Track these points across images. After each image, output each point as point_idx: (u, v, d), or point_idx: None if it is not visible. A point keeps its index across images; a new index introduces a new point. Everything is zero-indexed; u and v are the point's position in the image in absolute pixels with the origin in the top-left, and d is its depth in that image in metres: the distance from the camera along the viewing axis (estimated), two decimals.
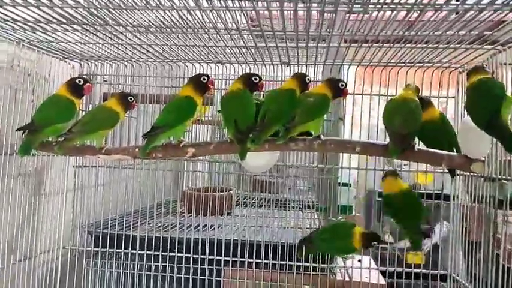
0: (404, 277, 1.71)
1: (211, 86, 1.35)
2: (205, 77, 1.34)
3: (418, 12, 1.04)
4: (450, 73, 1.61)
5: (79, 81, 1.37)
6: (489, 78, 1.18)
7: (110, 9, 1.15)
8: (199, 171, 2.17)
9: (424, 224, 1.39)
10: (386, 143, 1.26)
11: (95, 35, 1.41)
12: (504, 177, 1.31)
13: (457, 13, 1.08)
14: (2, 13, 1.20)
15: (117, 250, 1.78)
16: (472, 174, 1.47)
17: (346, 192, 2.35)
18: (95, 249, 1.79)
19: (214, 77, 1.81)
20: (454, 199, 1.70)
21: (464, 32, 1.20)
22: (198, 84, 1.33)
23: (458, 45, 1.32)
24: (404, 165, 2.22)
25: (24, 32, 1.38)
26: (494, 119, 1.09)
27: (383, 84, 1.68)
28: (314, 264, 1.68)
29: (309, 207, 2.32)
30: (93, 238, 1.81)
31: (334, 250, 1.54)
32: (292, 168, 1.99)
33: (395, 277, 1.72)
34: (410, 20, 1.12)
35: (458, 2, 0.99)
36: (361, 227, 1.43)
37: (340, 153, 2.12)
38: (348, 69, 1.68)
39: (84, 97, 1.61)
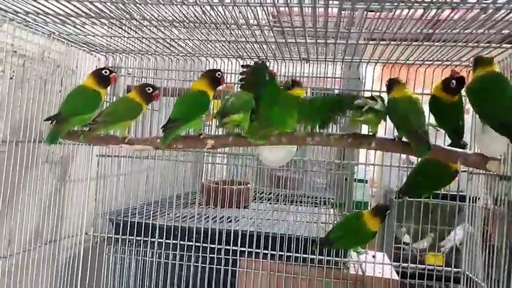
0: (422, 278, 1.71)
1: (223, 83, 1.40)
2: (220, 73, 1.38)
3: (435, 10, 1.05)
4: (469, 72, 1.61)
5: (105, 72, 1.42)
6: (498, 72, 1.18)
7: (137, 4, 1.20)
8: (218, 164, 2.21)
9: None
10: (404, 140, 1.28)
11: (121, 28, 1.46)
12: None
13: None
14: (35, 6, 1.26)
15: (137, 238, 1.84)
16: (487, 172, 1.47)
17: (362, 189, 2.36)
18: (116, 236, 1.86)
19: (235, 71, 1.85)
20: (470, 200, 1.70)
21: (482, 31, 1.21)
22: (212, 79, 1.38)
23: (476, 44, 1.33)
24: None
25: (55, 25, 1.44)
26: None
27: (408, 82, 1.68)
28: (328, 258, 1.70)
29: (325, 204, 2.35)
30: (114, 225, 1.88)
31: (353, 243, 1.55)
32: (310, 164, 2.02)
33: (408, 277, 1.72)
34: (427, 18, 1.14)
35: (475, 1, 1.00)
36: (369, 209, 1.47)
37: (359, 151, 2.15)
38: (366, 67, 1.70)
39: (108, 89, 1.68)
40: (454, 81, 1.27)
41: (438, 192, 1.76)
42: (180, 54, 1.78)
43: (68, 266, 1.77)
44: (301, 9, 1.12)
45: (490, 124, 1.16)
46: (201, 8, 1.19)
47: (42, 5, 1.25)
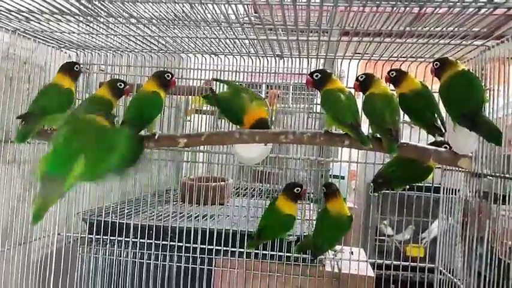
0: (402, 270, 1.72)
1: (173, 85, 1.36)
2: (169, 74, 1.34)
3: (403, 8, 1.04)
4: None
5: (76, 68, 1.38)
6: (466, 70, 1.20)
7: (101, 1, 1.16)
8: (194, 162, 2.19)
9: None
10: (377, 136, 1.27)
11: (88, 25, 1.42)
12: (489, 173, 1.32)
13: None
14: None
15: (112, 237, 1.81)
16: (460, 170, 1.48)
17: (338, 184, 2.35)
18: (90, 236, 1.82)
19: (210, 68, 1.82)
20: (444, 193, 1.71)
21: (452, 28, 1.20)
22: (162, 80, 1.34)
23: (448, 41, 1.32)
24: None
25: (19, 22, 1.40)
26: (477, 112, 1.11)
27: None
28: (304, 255, 1.70)
29: (306, 199, 2.33)
30: (88, 225, 1.84)
31: (276, 230, 1.50)
32: (292, 160, 2.00)
33: (384, 268, 1.72)
34: (399, 12, 1.13)
35: None
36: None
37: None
38: (341, 62, 1.68)
39: (81, 85, 1.64)
40: (393, 72, 1.29)
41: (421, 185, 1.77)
42: (153, 51, 1.74)
43: (40, 267, 1.73)
44: (271, 6, 1.10)
45: (454, 118, 1.18)
46: (167, 5, 1.16)
47: (3, 1, 1.20)
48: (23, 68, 1.58)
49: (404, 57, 1.55)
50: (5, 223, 1.57)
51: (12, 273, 1.59)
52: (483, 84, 1.36)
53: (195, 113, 2.30)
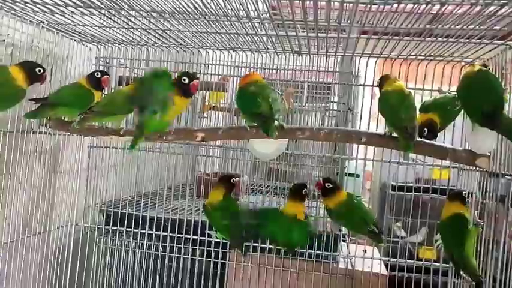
0: (416, 271, 1.72)
1: (194, 91, 1.31)
2: (186, 78, 1.28)
3: (425, 5, 1.04)
4: (461, 67, 1.60)
5: (97, 74, 1.42)
6: (482, 69, 1.19)
7: None
8: (210, 156, 2.21)
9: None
10: (394, 135, 1.27)
11: (111, 19, 1.44)
12: (508, 173, 1.31)
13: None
14: None
15: (128, 229, 1.84)
16: (477, 169, 1.47)
17: (352, 182, 2.35)
18: (107, 227, 1.86)
19: (228, 63, 1.84)
20: None
21: (473, 26, 1.19)
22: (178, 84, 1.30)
23: (468, 40, 1.32)
24: (420, 160, 2.20)
25: (44, 15, 1.43)
26: (499, 110, 1.11)
27: (403, 77, 1.64)
28: (318, 252, 1.70)
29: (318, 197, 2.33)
30: (105, 217, 1.87)
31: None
32: (305, 158, 2.01)
33: (397, 270, 1.72)
34: (418, 12, 1.13)
35: None
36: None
37: (355, 145, 2.13)
38: (359, 61, 1.68)
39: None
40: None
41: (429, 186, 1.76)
42: (172, 46, 1.76)
43: (57, 257, 1.77)
44: (291, 3, 1.11)
45: (474, 117, 1.17)
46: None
47: None
48: (46, 61, 1.61)
49: (423, 55, 1.54)
50: (26, 212, 1.61)
51: (31, 261, 1.63)
52: (503, 84, 1.35)
53: (212, 109, 2.32)
